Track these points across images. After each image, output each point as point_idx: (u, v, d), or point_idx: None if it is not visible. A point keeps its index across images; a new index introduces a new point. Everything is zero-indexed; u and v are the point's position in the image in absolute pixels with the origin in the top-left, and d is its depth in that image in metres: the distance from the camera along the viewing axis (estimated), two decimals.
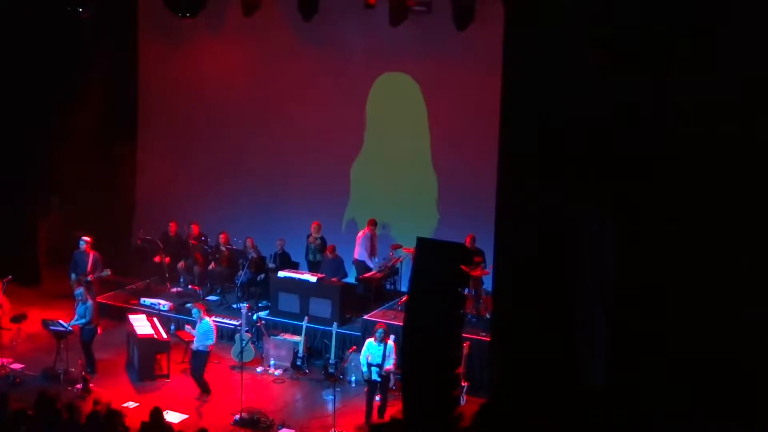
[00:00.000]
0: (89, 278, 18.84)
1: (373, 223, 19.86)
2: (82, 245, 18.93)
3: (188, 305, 18.36)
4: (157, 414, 13.17)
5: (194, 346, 16.66)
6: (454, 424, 14.25)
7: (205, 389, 16.60)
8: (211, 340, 16.62)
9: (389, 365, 15.65)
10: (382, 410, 15.81)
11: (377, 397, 15.90)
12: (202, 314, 16.72)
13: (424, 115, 20.29)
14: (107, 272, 19.07)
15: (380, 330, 15.79)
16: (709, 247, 12.40)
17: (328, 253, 19.48)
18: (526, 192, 13.66)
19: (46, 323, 17.51)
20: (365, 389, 16.04)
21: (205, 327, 16.60)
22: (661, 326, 12.63)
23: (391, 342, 15.82)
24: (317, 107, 21.08)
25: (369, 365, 15.65)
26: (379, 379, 15.72)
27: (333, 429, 15.47)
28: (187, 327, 17.50)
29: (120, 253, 20.96)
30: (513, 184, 13.82)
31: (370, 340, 15.91)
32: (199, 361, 16.61)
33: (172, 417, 15.53)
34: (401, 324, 15.25)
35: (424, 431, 14.11)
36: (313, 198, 21.25)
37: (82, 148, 21.34)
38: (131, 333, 17.96)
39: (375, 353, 15.67)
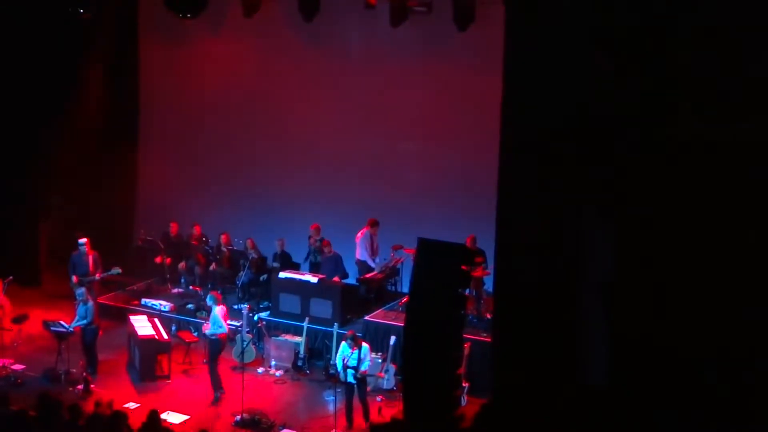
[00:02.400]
0: (97, 276, 18.83)
1: (372, 223, 19.83)
2: (82, 247, 18.90)
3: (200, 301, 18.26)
4: (154, 417, 13.15)
5: (208, 333, 16.70)
6: (454, 424, 14.25)
7: (216, 385, 16.54)
8: (223, 329, 16.58)
9: (365, 368, 15.68)
10: (366, 414, 15.79)
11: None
12: (216, 302, 16.70)
13: (424, 115, 20.28)
14: (118, 270, 19.04)
15: (350, 337, 15.80)
16: (709, 246, 12.40)
17: (324, 250, 19.45)
18: (526, 192, 13.66)
19: (47, 324, 17.52)
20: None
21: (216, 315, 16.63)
22: (661, 326, 12.63)
23: (366, 345, 15.83)
24: (318, 107, 21.08)
25: (345, 367, 15.68)
26: (354, 382, 15.72)
27: (334, 430, 15.48)
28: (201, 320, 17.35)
29: (121, 253, 20.94)
30: (514, 185, 13.83)
31: (344, 343, 15.91)
32: (211, 350, 16.64)
33: (173, 418, 15.55)
34: (402, 324, 15.27)
35: None
36: (314, 198, 21.25)
37: (83, 149, 21.35)
38: (132, 334, 17.97)
39: (350, 356, 15.69)
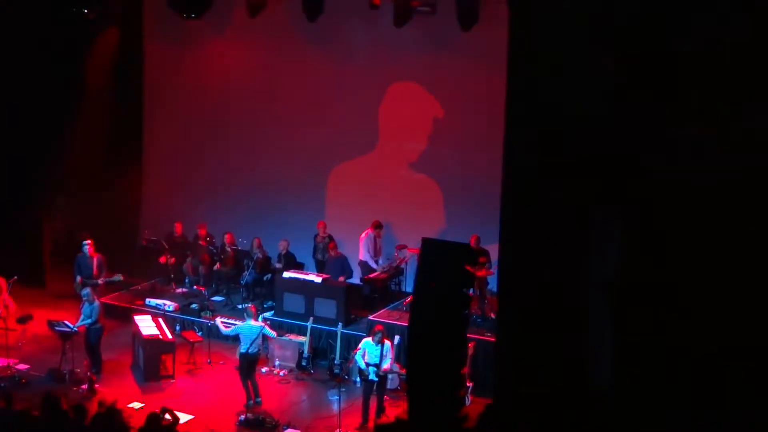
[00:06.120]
0: (99, 281, 18.82)
1: (376, 225, 19.84)
2: (85, 248, 18.90)
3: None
4: (154, 419, 13.15)
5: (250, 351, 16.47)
6: (459, 424, 14.24)
7: (249, 394, 16.39)
8: (244, 348, 16.35)
9: (386, 365, 15.69)
10: (379, 410, 15.84)
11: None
12: (251, 316, 16.58)
13: (428, 115, 20.30)
14: (120, 277, 19.02)
15: (379, 332, 15.83)
16: (718, 243, 12.38)
17: (330, 251, 19.49)
18: (531, 192, 13.64)
19: (51, 324, 17.54)
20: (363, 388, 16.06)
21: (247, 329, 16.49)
22: (664, 326, 12.62)
23: (388, 342, 15.86)
24: (322, 107, 21.10)
25: (366, 364, 15.70)
26: (376, 379, 15.75)
27: (338, 429, 15.50)
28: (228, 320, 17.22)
29: (125, 253, 20.97)
30: (518, 185, 13.81)
31: (367, 340, 15.93)
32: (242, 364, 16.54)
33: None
34: (406, 324, 15.27)
35: None
36: (319, 198, 21.28)
37: (87, 148, 21.37)
38: (136, 334, 17.99)
39: (372, 353, 15.70)
